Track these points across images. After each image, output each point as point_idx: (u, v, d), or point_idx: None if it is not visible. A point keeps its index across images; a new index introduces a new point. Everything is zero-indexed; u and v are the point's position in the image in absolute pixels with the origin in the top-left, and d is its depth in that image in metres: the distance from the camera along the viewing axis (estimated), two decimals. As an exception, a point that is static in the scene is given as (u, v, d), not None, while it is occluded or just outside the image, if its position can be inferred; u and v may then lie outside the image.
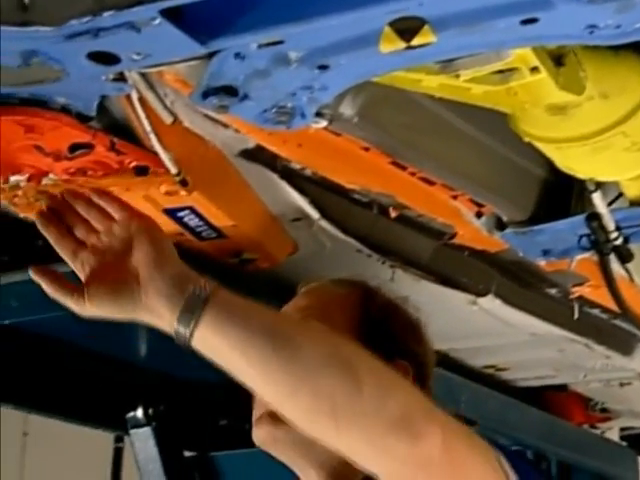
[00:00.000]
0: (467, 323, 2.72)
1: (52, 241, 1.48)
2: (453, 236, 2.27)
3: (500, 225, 2.16)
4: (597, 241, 2.07)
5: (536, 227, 2.11)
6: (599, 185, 2.00)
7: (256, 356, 1.36)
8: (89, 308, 1.43)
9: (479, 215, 2.14)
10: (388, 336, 1.67)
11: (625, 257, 2.14)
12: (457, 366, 3.18)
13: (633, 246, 2.19)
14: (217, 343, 1.37)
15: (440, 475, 1.36)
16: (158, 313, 1.39)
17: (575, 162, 1.86)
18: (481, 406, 3.36)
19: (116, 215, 1.48)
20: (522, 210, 2.13)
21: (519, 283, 2.55)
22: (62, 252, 1.47)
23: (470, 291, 2.53)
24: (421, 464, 1.35)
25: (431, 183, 2.00)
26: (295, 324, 1.49)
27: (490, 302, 2.55)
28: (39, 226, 1.50)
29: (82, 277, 1.46)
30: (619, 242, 2.08)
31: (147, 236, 1.44)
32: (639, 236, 2.14)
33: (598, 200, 2.00)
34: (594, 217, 2.04)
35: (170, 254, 1.44)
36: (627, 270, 2.25)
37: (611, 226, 2.03)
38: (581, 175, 1.93)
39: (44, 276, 1.46)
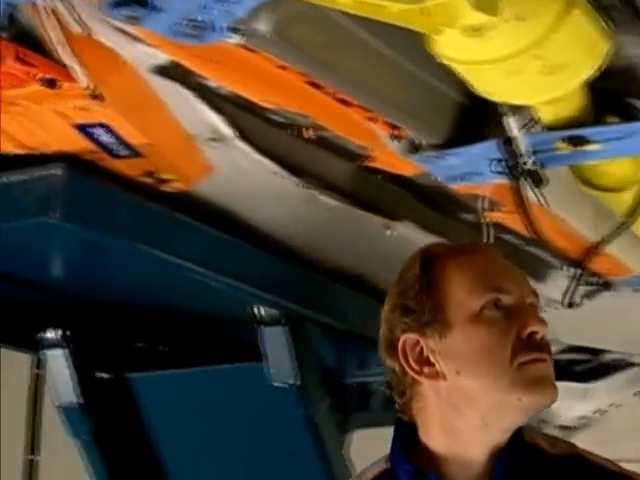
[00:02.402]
0: (382, 247, 2.73)
1: None
2: (368, 158, 2.26)
3: (415, 148, 2.16)
4: (509, 165, 2.08)
5: (450, 151, 2.12)
6: (513, 109, 2.01)
7: None
8: None
9: (394, 138, 2.13)
10: None
11: (538, 181, 2.16)
12: (373, 290, 3.20)
13: (551, 173, 2.21)
14: None
15: None
16: None
17: (490, 85, 1.85)
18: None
19: None
20: (437, 133, 2.13)
21: (434, 208, 2.56)
22: None
23: (385, 215, 2.53)
24: None
25: (347, 104, 1.99)
26: None
27: (404, 227, 2.56)
28: None
29: None
30: (531, 166, 2.09)
31: None
32: (554, 161, 2.16)
33: (511, 124, 2.01)
34: (507, 141, 2.05)
35: None
36: (542, 195, 2.27)
37: (522, 150, 2.05)
38: (495, 98, 1.93)
39: None
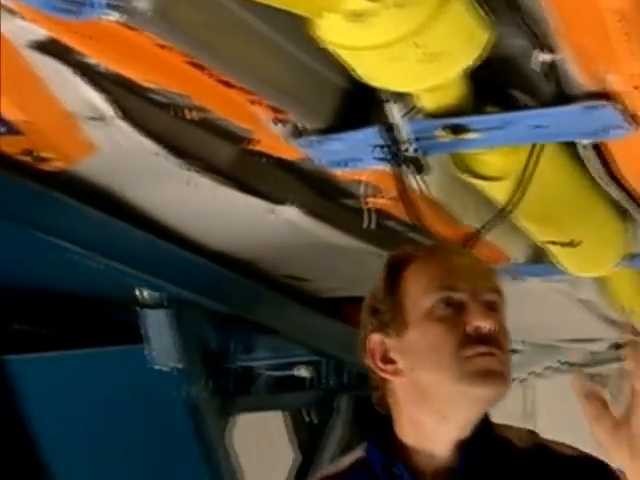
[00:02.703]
0: (266, 232, 2.73)
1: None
2: (252, 141, 2.25)
3: (298, 132, 2.15)
4: (391, 152, 2.09)
5: (332, 136, 2.12)
6: (395, 96, 2.01)
7: None
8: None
9: (277, 121, 2.13)
10: None
11: (419, 169, 2.17)
12: (258, 275, 3.20)
13: (433, 160, 2.23)
14: None
15: None
16: None
17: (371, 71, 1.85)
18: (281, 316, 3.41)
19: None
20: (320, 118, 2.12)
21: (317, 193, 2.56)
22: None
23: (268, 199, 2.53)
24: None
25: (229, 86, 1.98)
26: None
27: (288, 211, 2.56)
28: None
29: None
30: (413, 154, 2.11)
31: None
32: (435, 148, 2.17)
33: (393, 111, 2.02)
34: (389, 128, 2.06)
35: None
36: (423, 182, 2.29)
37: (404, 137, 2.06)
38: (377, 84, 1.93)
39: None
